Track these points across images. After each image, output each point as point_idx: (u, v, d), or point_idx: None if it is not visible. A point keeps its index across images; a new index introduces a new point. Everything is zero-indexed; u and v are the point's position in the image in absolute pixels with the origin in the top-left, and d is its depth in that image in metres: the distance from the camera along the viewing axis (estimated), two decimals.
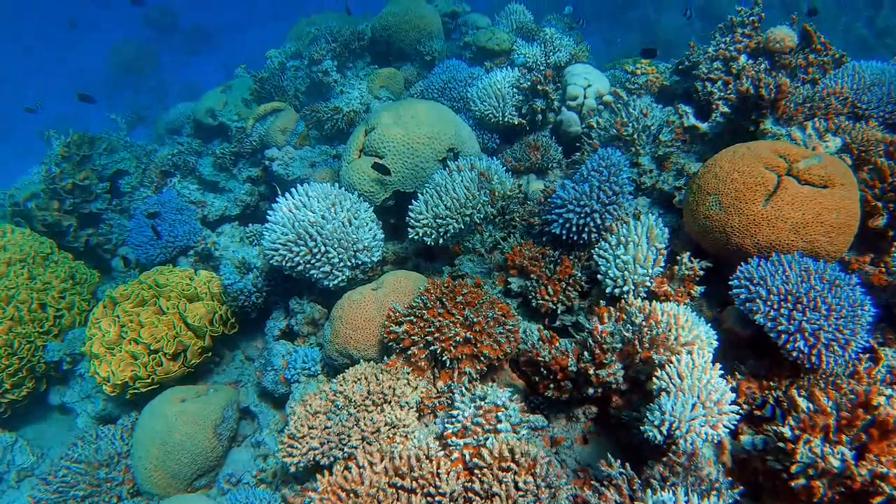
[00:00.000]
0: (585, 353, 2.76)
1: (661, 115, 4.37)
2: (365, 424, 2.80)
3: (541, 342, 2.89)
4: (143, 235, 5.05)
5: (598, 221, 3.36)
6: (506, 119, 4.70)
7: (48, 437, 4.73)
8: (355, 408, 2.89)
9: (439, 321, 3.08)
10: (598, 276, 3.31)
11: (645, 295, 3.22)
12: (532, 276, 3.50)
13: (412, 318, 3.16)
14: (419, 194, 3.91)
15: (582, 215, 3.37)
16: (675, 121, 4.35)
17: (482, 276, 3.86)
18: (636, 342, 2.72)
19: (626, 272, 3.19)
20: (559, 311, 3.46)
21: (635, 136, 3.92)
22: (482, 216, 3.76)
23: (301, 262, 3.75)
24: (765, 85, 3.65)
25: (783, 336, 2.61)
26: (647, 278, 3.18)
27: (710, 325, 2.89)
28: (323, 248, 3.74)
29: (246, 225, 5.31)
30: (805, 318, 2.56)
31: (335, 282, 3.81)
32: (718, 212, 3.02)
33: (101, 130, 7.40)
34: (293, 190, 3.99)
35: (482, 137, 4.80)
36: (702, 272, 3.17)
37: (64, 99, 12.50)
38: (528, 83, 4.67)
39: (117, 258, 5.43)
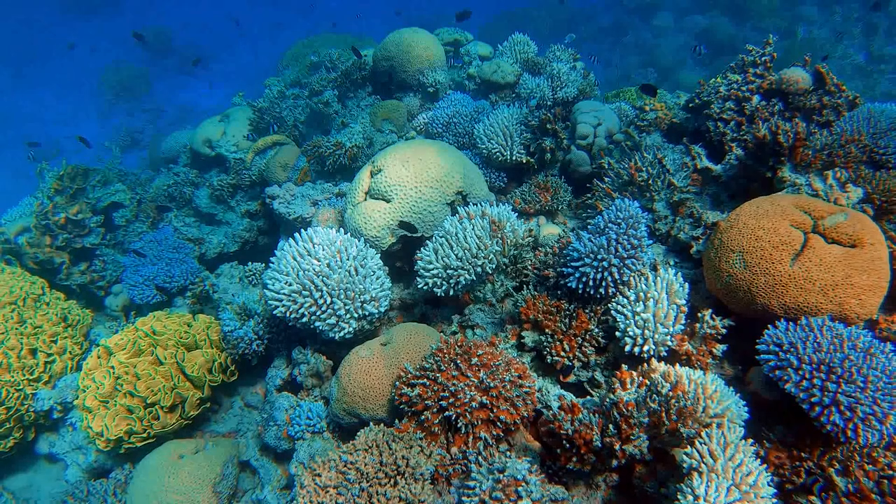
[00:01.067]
0: (610, 426, 2.63)
1: (675, 157, 4.29)
2: (378, 501, 2.65)
3: (562, 412, 2.76)
4: (138, 275, 4.89)
5: (616, 276, 3.25)
6: (514, 158, 4.60)
7: (36, 488, 4.53)
8: (367, 481, 2.75)
9: (454, 385, 2.94)
10: (617, 334, 3.19)
11: (665, 353, 3.11)
12: (547, 330, 3.37)
13: (425, 380, 3.03)
14: (428, 242, 3.79)
15: (599, 269, 3.26)
16: (688, 162, 4.28)
17: (493, 326, 3.74)
18: (663, 414, 2.60)
19: (646, 330, 3.08)
20: (575, 368, 3.34)
21: (650, 181, 3.82)
22: (494, 266, 3.64)
23: (306, 313, 3.61)
24: (783, 132, 3.57)
25: (817, 408, 2.49)
26: (668, 337, 3.06)
27: (734, 390, 2.77)
28: (329, 300, 3.60)
29: (245, 263, 5.16)
30: (840, 391, 2.44)
31: (341, 334, 3.67)
32: (743, 270, 2.91)
33: (94, 157, 7.28)
34: (297, 236, 3.85)
35: (489, 176, 4.69)
36: (724, 330, 3.06)
37: (56, 122, 12.35)
38: (537, 121, 4.58)
39: (110, 296, 5.26)
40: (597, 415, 2.75)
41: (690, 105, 4.69)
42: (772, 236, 2.87)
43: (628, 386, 2.85)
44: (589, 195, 4.37)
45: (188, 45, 15.38)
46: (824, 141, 3.67)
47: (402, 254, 4.27)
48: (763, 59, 4.38)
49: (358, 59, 6.10)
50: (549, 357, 3.34)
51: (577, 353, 3.31)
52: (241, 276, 4.90)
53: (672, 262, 3.72)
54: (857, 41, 11.15)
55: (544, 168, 4.72)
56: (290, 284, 3.64)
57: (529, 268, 3.79)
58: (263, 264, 5.09)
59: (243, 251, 5.52)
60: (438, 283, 3.64)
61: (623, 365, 3.06)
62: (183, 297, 4.82)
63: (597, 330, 3.31)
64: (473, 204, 4.18)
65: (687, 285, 3.19)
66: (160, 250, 5.08)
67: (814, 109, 4.15)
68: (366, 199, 4.14)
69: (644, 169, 3.85)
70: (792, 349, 2.59)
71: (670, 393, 2.63)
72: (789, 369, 2.58)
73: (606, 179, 4.08)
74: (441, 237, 3.71)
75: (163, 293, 4.83)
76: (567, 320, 3.37)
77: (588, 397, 3.28)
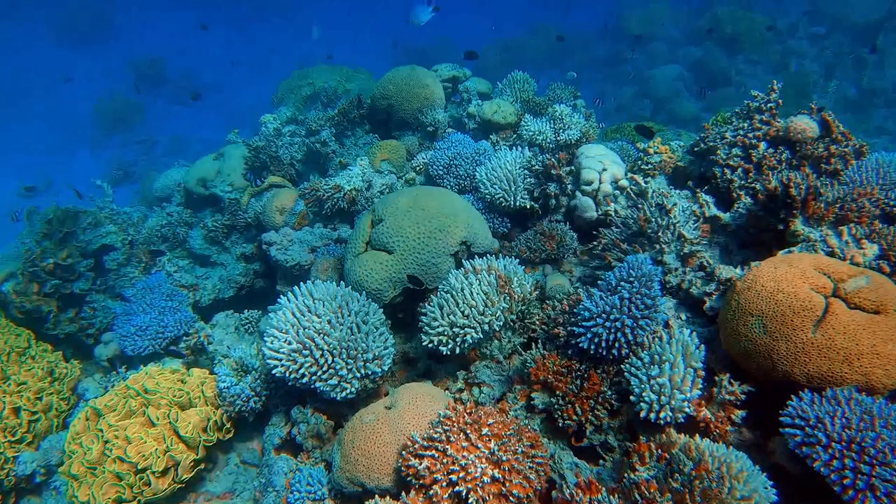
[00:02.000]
0: None
1: (684, 205, 4.21)
2: None
3: (579, 491, 2.62)
4: (130, 325, 4.72)
5: (630, 337, 3.14)
6: (518, 203, 4.51)
7: None
8: None
9: (464, 458, 2.80)
10: (632, 398, 3.07)
11: (683, 420, 2.98)
12: (558, 392, 3.25)
13: (433, 452, 2.88)
14: (432, 297, 3.68)
15: (612, 330, 3.14)
16: (696, 211, 4.20)
17: (500, 384, 3.62)
18: (686, 496, 2.46)
19: (662, 396, 2.95)
20: (587, 431, 3.21)
21: (660, 233, 3.73)
22: (501, 324, 3.52)
23: (306, 374, 3.46)
24: (795, 185, 3.50)
25: (850, 492, 2.37)
26: (686, 404, 2.94)
27: (759, 468, 2.65)
28: (330, 359, 3.46)
29: (241, 310, 5.00)
30: (875, 474, 2.32)
31: (343, 395, 3.52)
32: (762, 336, 2.81)
33: (86, 195, 7.12)
34: (296, 290, 3.72)
35: (492, 222, 4.60)
36: (743, 396, 2.94)
37: (48, 153, 12.20)
38: (541, 166, 4.50)
39: (100, 345, 5.07)
40: (616, 495, 2.61)
41: (696, 149, 4.63)
42: (792, 301, 2.77)
43: (647, 460, 2.72)
44: (595, 243, 4.27)
45: (182, 75, 15.33)
46: (836, 194, 3.60)
47: (403, 304, 4.14)
48: (768, 105, 4.34)
49: (357, 100, 6.03)
50: (560, 421, 3.21)
51: (589, 417, 3.18)
52: (236, 325, 4.74)
53: (684, 317, 3.62)
54: (848, 75, 11.28)
55: (548, 213, 4.63)
56: (290, 343, 3.51)
57: (537, 323, 3.68)
58: (259, 312, 4.94)
59: (239, 296, 5.37)
60: (444, 340, 3.51)
61: (640, 435, 2.93)
62: (177, 347, 4.65)
63: (610, 393, 3.18)
64: (478, 255, 4.07)
65: (703, 347, 3.08)
66: (153, 298, 4.92)
67: (821, 158, 4.10)
68: (367, 250, 4.02)
69: (653, 220, 3.76)
70: (819, 425, 2.48)
71: (693, 472, 2.50)
72: (817, 447, 2.46)
73: (615, 230, 3.99)
74: (446, 293, 3.59)
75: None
76: (578, 381, 3.25)
77: (602, 464, 3.15)
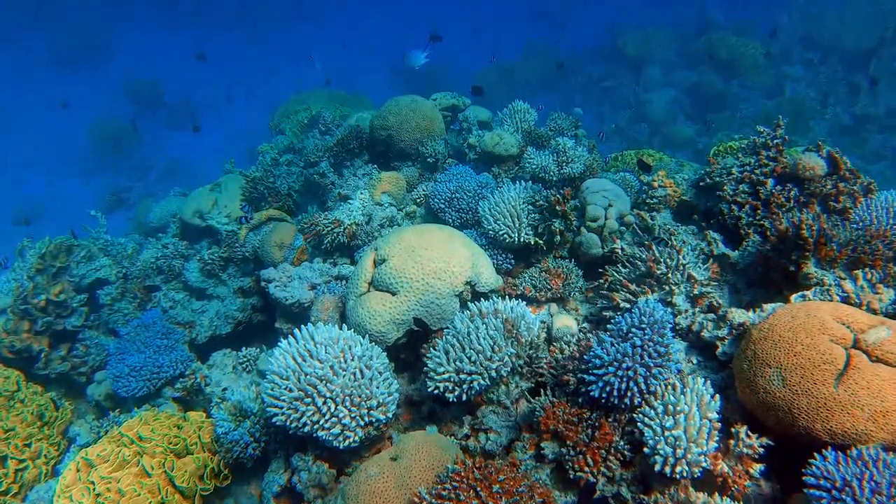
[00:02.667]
0: None
1: (691, 242, 4.15)
2: None
3: None
4: (123, 365, 4.59)
5: (643, 386, 3.05)
6: (522, 240, 4.44)
7: None
8: None
9: None
10: (646, 450, 2.96)
11: (699, 475, 2.88)
12: (568, 442, 3.15)
13: None
14: (438, 341, 3.58)
15: (624, 379, 3.05)
16: (703, 248, 4.14)
17: (508, 430, 3.51)
18: None
19: (677, 450, 2.85)
20: (600, 483, 3.10)
21: (669, 274, 3.66)
22: (509, 370, 3.42)
23: (308, 422, 3.35)
24: (806, 226, 3.44)
25: None
26: (703, 458, 2.84)
27: None
28: (332, 407, 3.35)
29: (239, 347, 4.88)
30: None
31: (346, 443, 3.40)
32: (782, 389, 2.72)
33: (79, 227, 7.01)
34: (297, 334, 3.62)
35: (496, 258, 4.52)
36: (761, 450, 2.85)
37: (41, 177, 12.07)
38: (545, 202, 4.44)
39: (93, 384, 4.93)
40: None
41: (701, 184, 4.59)
42: (812, 353, 2.69)
43: None
44: (602, 281, 4.19)
45: (178, 98, 15.28)
46: (848, 235, 3.53)
47: (406, 344, 4.04)
48: (774, 141, 4.30)
49: (356, 130, 5.97)
50: (571, 472, 3.11)
51: (601, 469, 3.08)
52: (234, 364, 4.61)
53: (695, 361, 3.54)
54: (842, 101, 11.36)
55: (553, 249, 4.55)
56: (291, 391, 3.39)
57: (545, 367, 3.58)
58: (258, 349, 4.82)
59: (236, 332, 5.24)
60: (450, 387, 3.41)
61: (654, 489, 2.83)
62: (172, 388, 4.52)
63: (622, 443, 3.09)
64: (483, 296, 3.99)
65: (718, 397, 2.99)
66: (147, 336, 4.79)
67: (829, 196, 4.05)
68: (370, 291, 3.93)
69: (662, 261, 3.69)
70: (847, 489, 2.38)
71: None
72: None
73: (622, 269, 3.91)
74: (452, 337, 3.50)
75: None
76: (590, 431, 3.15)
77: None
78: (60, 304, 5.31)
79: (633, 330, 3.16)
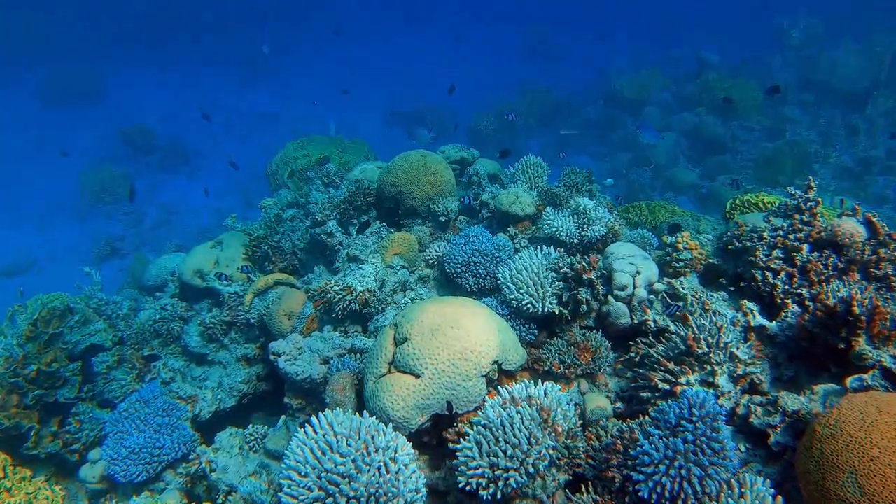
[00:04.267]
0: None
1: (729, 314, 3.95)
2: None
3: None
4: (121, 446, 4.27)
5: (697, 487, 2.80)
6: (546, 310, 4.22)
7: None
8: None
9: None
10: None
11: None
12: None
13: None
14: (468, 430, 3.33)
15: (677, 480, 2.81)
16: (739, 319, 3.94)
17: None
18: None
19: None
20: None
21: (711, 354, 3.44)
22: (547, 464, 3.16)
23: None
24: (857, 303, 3.26)
25: None
26: None
27: None
28: None
29: (245, 420, 4.58)
30: None
31: None
32: (858, 497, 2.48)
33: (71, 285, 6.73)
34: (314, 423, 3.34)
35: (518, 329, 4.29)
36: None
37: (32, 228, 11.75)
38: (570, 270, 4.24)
39: (86, 464, 4.58)
40: None
41: (729, 247, 4.41)
42: (891, 457, 2.46)
43: None
44: (633, 354, 3.99)
45: (172, 142, 15.09)
46: None
47: (429, 428, 3.77)
48: (808, 205, 4.16)
49: (364, 185, 5.79)
50: None
51: None
52: (240, 444, 4.30)
53: (743, 449, 3.30)
54: (843, 143, 11.41)
55: (577, 318, 4.33)
56: (311, 490, 3.10)
57: (583, 458, 3.33)
58: (265, 426, 4.52)
59: (241, 405, 4.94)
60: (484, 484, 3.13)
61: None
62: (175, 472, 4.20)
63: None
64: (512, 377, 3.76)
65: (781, 500, 2.75)
66: (147, 414, 4.48)
67: (870, 262, 3.88)
68: (390, 372, 3.68)
69: (701, 339, 3.48)
70: None
71: None
72: None
73: (660, 347, 3.69)
74: (483, 427, 3.24)
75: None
76: None
77: None
78: (52, 374, 4.99)
79: (684, 423, 2.93)
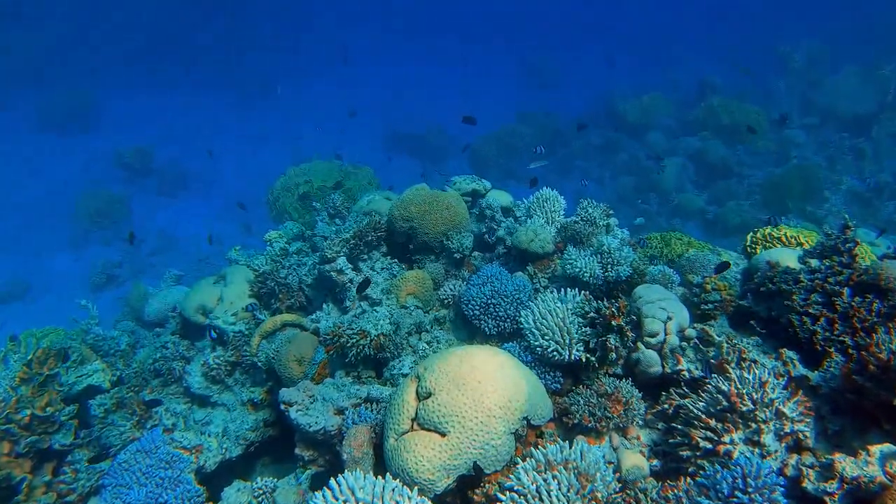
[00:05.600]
0: None
1: (769, 364, 3.75)
2: None
3: None
4: (121, 502, 4.00)
5: None
6: (573, 357, 4.00)
7: None
8: None
9: None
10: None
11: None
12: None
13: None
14: (497, 495, 3.09)
15: None
16: (780, 369, 3.75)
17: None
18: None
19: None
20: None
21: (757, 411, 3.23)
22: None
23: None
24: None
25: None
26: None
27: None
28: None
29: (252, 471, 4.32)
30: None
31: None
32: None
33: (67, 318, 6.49)
34: (334, 487, 3.10)
35: (544, 378, 4.08)
36: None
37: (27, 253, 11.47)
38: (597, 315, 4.04)
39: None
40: None
41: (762, 289, 4.23)
42: None
43: None
44: (666, 405, 3.78)
45: (169, 165, 14.89)
46: None
47: (453, 489, 3.53)
48: (847, 246, 3.99)
49: (374, 219, 5.60)
50: None
51: None
52: (248, 501, 4.05)
53: None
54: (849, 167, 11.34)
55: (605, 366, 4.12)
56: None
57: None
58: (274, 479, 4.26)
59: (248, 453, 4.68)
60: None
61: None
62: None
63: None
64: (537, 429, 3.54)
65: None
66: (148, 466, 4.21)
67: None
68: (413, 429, 3.44)
69: (746, 396, 3.27)
70: None
71: None
72: None
73: (700, 403, 3.48)
74: (518, 495, 3.01)
75: None
76: None
77: None
78: (46, 419, 4.72)
79: (738, 494, 2.71)
